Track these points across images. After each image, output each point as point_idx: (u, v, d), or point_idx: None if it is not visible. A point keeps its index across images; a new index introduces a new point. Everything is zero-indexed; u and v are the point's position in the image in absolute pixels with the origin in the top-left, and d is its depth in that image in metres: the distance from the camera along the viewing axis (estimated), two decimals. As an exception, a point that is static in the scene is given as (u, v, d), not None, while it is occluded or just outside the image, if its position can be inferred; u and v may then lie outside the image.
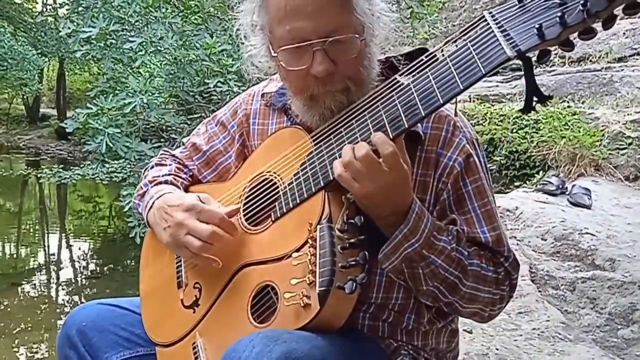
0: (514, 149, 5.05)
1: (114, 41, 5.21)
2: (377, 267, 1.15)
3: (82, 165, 8.50)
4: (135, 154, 4.93)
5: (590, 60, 6.89)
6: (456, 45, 1.03)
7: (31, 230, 9.49)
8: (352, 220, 1.06)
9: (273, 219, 1.18)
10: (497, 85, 6.43)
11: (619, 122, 4.93)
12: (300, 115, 1.22)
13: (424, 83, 1.03)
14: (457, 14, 9.87)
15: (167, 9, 5.44)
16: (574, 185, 3.97)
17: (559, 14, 0.90)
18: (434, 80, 1.02)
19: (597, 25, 0.92)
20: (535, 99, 0.97)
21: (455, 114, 1.19)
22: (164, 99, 5.70)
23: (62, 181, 9.63)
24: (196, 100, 5.94)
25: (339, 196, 1.11)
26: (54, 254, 7.98)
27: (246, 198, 1.25)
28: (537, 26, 0.92)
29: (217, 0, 5.70)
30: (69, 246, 8.52)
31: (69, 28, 5.16)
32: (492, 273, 1.16)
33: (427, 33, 7.31)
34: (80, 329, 1.28)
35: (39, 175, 12.50)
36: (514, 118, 5.23)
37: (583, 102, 5.64)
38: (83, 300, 5.90)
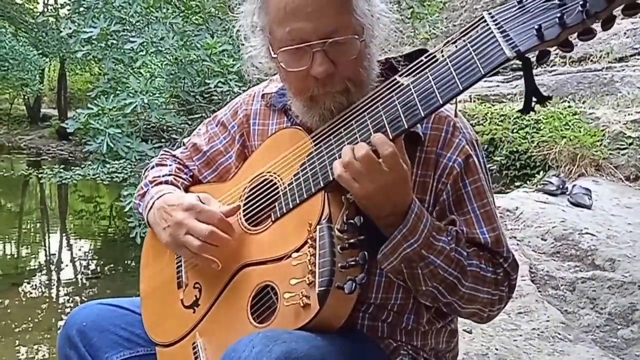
0: (515, 149, 5.05)
1: (114, 41, 5.21)
2: (377, 267, 1.15)
3: (83, 166, 8.50)
4: (136, 154, 4.94)
5: (591, 60, 6.89)
6: (456, 46, 1.03)
7: (32, 230, 9.49)
8: (351, 221, 1.07)
9: (273, 219, 1.19)
10: (497, 85, 6.43)
11: (619, 122, 4.93)
12: (300, 115, 1.22)
13: (424, 84, 1.04)
14: (457, 14, 9.88)
15: (168, 9, 5.44)
16: (574, 185, 3.97)
17: (558, 15, 0.90)
18: (434, 81, 1.02)
19: (597, 26, 0.93)
20: (534, 99, 0.98)
21: (455, 115, 1.19)
22: (165, 99, 5.70)
23: (63, 181, 9.64)
24: (197, 101, 5.95)
25: (338, 196, 1.11)
26: (54, 254, 7.98)
27: (246, 198, 1.26)
28: (536, 27, 0.92)
29: (217, 1, 5.70)
30: (69, 246, 8.52)
31: (70, 28, 5.16)
32: (491, 274, 1.16)
33: (427, 33, 7.30)
34: (81, 329, 1.28)
35: (39, 176, 12.52)
36: (514, 118, 5.23)
37: (584, 102, 5.64)
38: (84, 300, 5.90)
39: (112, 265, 7.35)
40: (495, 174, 5.09)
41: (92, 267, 7.50)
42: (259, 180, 1.25)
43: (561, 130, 4.89)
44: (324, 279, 1.01)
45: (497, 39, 0.96)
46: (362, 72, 1.15)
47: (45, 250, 8.20)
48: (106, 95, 4.88)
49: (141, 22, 5.23)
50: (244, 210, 1.25)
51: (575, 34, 0.93)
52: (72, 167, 8.93)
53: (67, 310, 5.68)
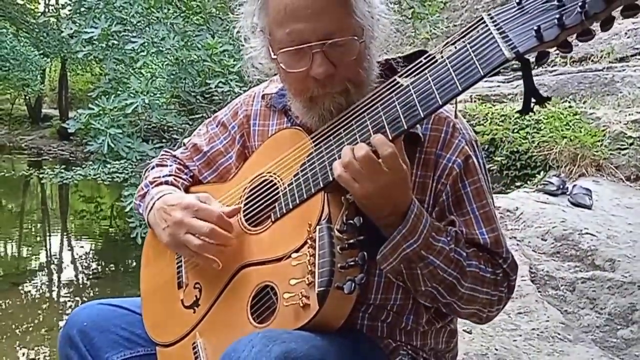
0: (515, 149, 5.04)
1: (115, 42, 5.22)
2: (376, 268, 1.16)
3: (84, 166, 8.50)
4: (137, 155, 4.94)
5: (592, 60, 6.89)
6: (455, 47, 1.03)
7: (33, 230, 9.50)
8: (351, 221, 1.07)
9: (273, 219, 1.19)
10: (498, 86, 6.43)
11: (620, 122, 4.93)
12: (300, 116, 1.23)
13: (423, 84, 1.04)
14: (458, 14, 9.87)
15: (168, 9, 5.45)
16: (574, 186, 3.97)
17: (557, 16, 0.91)
18: (433, 82, 1.03)
19: (596, 27, 0.93)
20: (533, 100, 0.98)
21: (455, 116, 1.19)
22: (166, 99, 5.71)
23: (64, 181, 9.64)
24: (198, 101, 5.96)
25: (338, 197, 1.11)
26: (55, 254, 7.99)
27: (246, 199, 1.26)
28: (535, 28, 0.92)
29: (218, 1, 5.71)
30: (70, 246, 8.53)
31: (71, 29, 5.17)
32: (490, 274, 1.16)
33: (428, 33, 7.30)
34: (82, 329, 1.28)
35: (40, 176, 12.52)
36: (515, 118, 5.23)
37: (584, 102, 5.63)
38: (84, 300, 5.91)
39: (112, 266, 7.35)
40: (495, 174, 5.09)
41: (93, 267, 7.51)
42: (259, 180, 1.25)
43: (562, 130, 4.89)
44: (324, 279, 1.01)
45: (496, 40, 0.96)
46: (362, 73, 1.15)
47: (46, 250, 8.21)
48: (107, 96, 4.88)
49: (142, 22, 5.23)
50: (244, 211, 1.25)
51: (575, 35, 0.93)
52: (73, 167, 8.92)
53: (68, 310, 5.68)
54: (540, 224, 3.30)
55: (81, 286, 6.67)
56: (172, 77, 5.49)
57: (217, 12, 5.81)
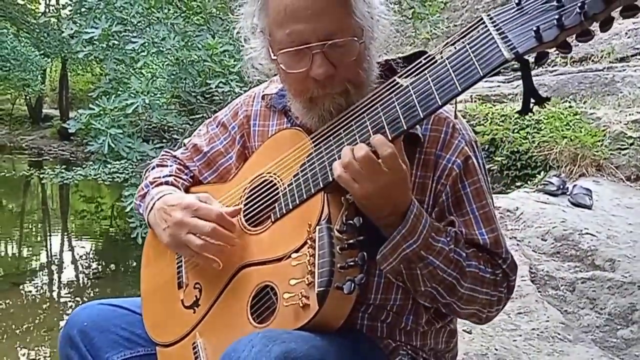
0: (516, 149, 5.04)
1: (116, 42, 5.22)
2: (376, 268, 1.16)
3: (84, 166, 8.50)
4: (137, 155, 4.95)
5: (592, 60, 6.89)
6: (455, 48, 1.03)
7: (33, 230, 9.51)
8: (351, 221, 1.07)
9: (273, 219, 1.19)
10: (498, 86, 6.43)
11: (620, 122, 4.93)
12: (299, 117, 1.23)
13: (423, 85, 1.04)
14: (459, 14, 9.87)
15: (169, 9, 5.45)
16: (574, 186, 3.97)
17: (556, 17, 0.91)
18: (433, 82, 1.03)
19: (595, 27, 0.93)
20: (532, 100, 0.98)
21: (455, 116, 1.19)
22: (166, 99, 5.72)
23: (65, 182, 9.64)
24: (198, 101, 5.96)
25: (338, 197, 1.12)
26: (56, 254, 8.00)
27: (246, 199, 1.26)
28: (534, 29, 0.92)
29: (219, 1, 5.71)
30: (71, 246, 8.53)
31: (72, 29, 5.17)
32: (490, 275, 1.16)
33: (429, 33, 7.30)
34: (82, 329, 1.29)
35: (41, 176, 12.51)
36: (515, 118, 5.23)
37: (585, 102, 5.63)
38: (85, 300, 5.91)
39: (113, 266, 7.36)
40: (496, 174, 5.09)
41: (94, 267, 7.51)
42: (259, 181, 1.26)
43: (562, 130, 4.89)
44: (323, 279, 1.02)
45: (495, 41, 0.96)
46: (362, 73, 1.15)
47: (46, 250, 8.21)
48: (107, 96, 4.89)
49: (142, 22, 5.24)
50: (244, 211, 1.25)
51: (574, 36, 0.94)
52: (74, 168, 8.92)
53: (69, 310, 5.69)
54: (541, 224, 3.30)
55: (81, 286, 6.67)
56: (172, 77, 5.50)
57: (218, 13, 5.81)
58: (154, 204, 1.30)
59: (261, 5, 1.16)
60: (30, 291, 6.29)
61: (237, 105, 1.44)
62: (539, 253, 3.09)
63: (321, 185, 1.13)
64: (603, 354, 2.41)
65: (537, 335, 2.43)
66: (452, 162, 1.18)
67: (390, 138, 1.05)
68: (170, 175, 1.41)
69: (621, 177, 4.50)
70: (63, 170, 9.94)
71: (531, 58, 0.97)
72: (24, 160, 15.85)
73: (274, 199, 1.21)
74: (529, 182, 4.79)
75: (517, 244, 3.16)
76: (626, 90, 5.73)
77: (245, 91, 1.47)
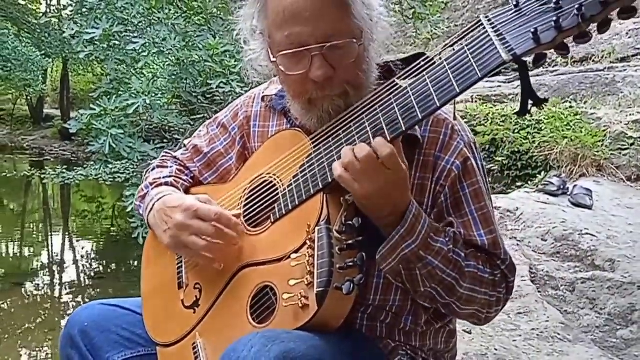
0: (516, 150, 5.04)
1: (117, 42, 5.23)
2: (375, 269, 1.17)
3: (85, 166, 8.52)
4: (138, 155, 4.95)
5: (593, 60, 6.89)
6: (453, 49, 1.04)
7: (35, 230, 9.52)
8: (350, 222, 1.08)
9: (272, 220, 1.20)
10: (499, 86, 6.43)
11: (621, 122, 4.93)
12: (299, 118, 1.24)
13: (421, 86, 1.04)
14: (459, 14, 9.87)
15: (170, 10, 5.46)
16: (575, 186, 3.97)
17: (554, 19, 0.91)
18: (431, 84, 1.03)
19: (593, 29, 0.94)
20: (530, 102, 0.99)
21: (454, 118, 1.20)
22: (167, 99, 5.72)
23: (66, 182, 9.65)
24: (199, 101, 5.97)
25: (337, 198, 1.12)
26: (57, 254, 8.01)
27: (246, 200, 1.27)
28: (532, 30, 0.92)
29: (219, 1, 5.72)
30: (72, 246, 8.54)
31: (73, 29, 5.18)
32: (489, 275, 1.17)
33: (429, 33, 7.31)
34: (83, 329, 1.29)
35: (42, 176, 12.53)
36: (515, 118, 5.23)
37: (585, 103, 5.63)
38: (86, 300, 5.92)
39: (114, 266, 7.37)
40: (496, 174, 5.09)
41: (95, 267, 7.52)
42: (259, 181, 1.26)
43: (562, 130, 4.89)
44: (323, 279, 1.02)
45: (493, 42, 0.96)
46: (361, 75, 1.16)
47: (48, 250, 8.22)
48: (108, 96, 4.89)
49: (143, 23, 5.25)
50: (244, 212, 1.26)
51: (571, 37, 0.94)
52: (75, 168, 8.94)
53: (70, 310, 5.69)
54: (541, 224, 3.30)
55: (83, 286, 6.68)
56: (173, 77, 5.51)
57: (219, 13, 5.82)
58: (153, 205, 1.31)
59: (260, 7, 1.16)
60: (31, 291, 6.30)
61: (237, 106, 1.44)
62: (539, 253, 3.09)
63: (320, 186, 1.13)
64: (603, 354, 2.41)
65: (537, 335, 2.43)
66: (451, 163, 1.19)
67: (389, 139, 1.05)
68: (170, 176, 1.41)
69: (622, 178, 4.50)
70: (64, 171, 9.95)
71: (529, 60, 0.98)
72: (25, 161, 15.87)
73: (273, 199, 1.22)
74: (529, 182, 4.79)
75: (517, 244, 3.16)
76: (627, 91, 5.73)
77: (246, 91, 1.48)
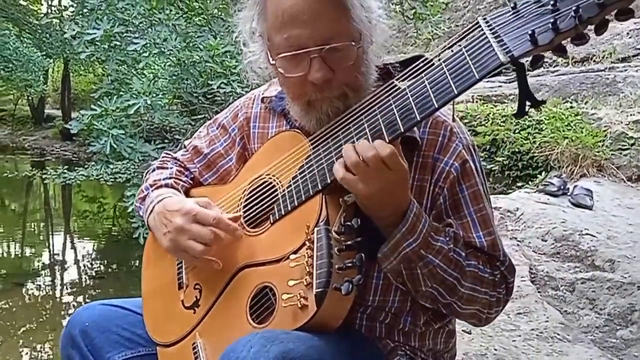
0: (517, 150, 5.05)
1: (118, 43, 5.23)
2: (374, 270, 1.17)
3: (86, 166, 8.52)
4: (139, 155, 4.95)
5: (594, 61, 6.89)
6: (451, 51, 1.04)
7: (36, 230, 9.52)
8: (349, 223, 1.08)
9: (272, 221, 1.20)
10: (500, 86, 6.43)
11: (621, 122, 4.93)
12: (298, 119, 1.24)
13: (420, 88, 1.05)
14: (460, 14, 9.88)
15: (170, 10, 5.46)
16: (575, 186, 3.98)
17: (551, 20, 0.92)
18: (429, 85, 1.04)
19: (590, 30, 0.94)
20: (528, 103, 0.99)
21: (453, 120, 1.20)
22: (168, 100, 5.72)
23: (67, 182, 9.65)
24: (200, 102, 5.97)
25: (336, 199, 1.13)
26: (58, 254, 8.01)
27: (246, 201, 1.27)
28: (530, 32, 0.93)
29: (220, 2, 5.72)
30: (73, 246, 8.55)
31: (74, 30, 5.19)
32: (489, 275, 1.17)
33: (430, 34, 7.31)
34: (83, 329, 1.30)
35: (43, 176, 12.53)
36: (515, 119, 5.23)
37: (586, 103, 5.64)
38: (87, 300, 5.93)
39: (115, 266, 7.37)
40: (497, 174, 5.10)
41: (96, 267, 7.52)
42: (259, 182, 1.27)
43: (563, 130, 4.90)
44: (321, 280, 1.03)
45: (491, 44, 0.97)
46: (360, 77, 1.16)
47: (49, 250, 8.23)
48: (109, 96, 4.89)
49: (144, 23, 5.25)
50: (243, 213, 1.27)
51: (569, 39, 0.95)
52: (76, 168, 8.94)
53: (71, 310, 5.70)
54: (541, 224, 3.31)
55: (84, 286, 6.68)
56: (174, 78, 5.51)
57: (219, 13, 5.83)
58: (153, 207, 1.31)
59: (260, 10, 1.17)
60: (32, 291, 6.30)
61: (237, 107, 1.45)
62: (539, 253, 3.10)
63: (319, 187, 1.14)
64: (602, 354, 2.41)
65: (537, 335, 2.43)
66: (449, 165, 1.19)
67: (388, 140, 1.06)
68: (170, 178, 1.42)
69: (622, 178, 4.50)
70: (65, 171, 9.95)
71: (527, 61, 0.98)
72: (26, 161, 15.88)
73: (273, 200, 1.22)
74: (530, 182, 4.80)
75: (518, 245, 3.17)
76: (627, 91, 5.74)
77: (246, 92, 1.48)
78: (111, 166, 7.30)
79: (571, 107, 5.39)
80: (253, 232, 1.23)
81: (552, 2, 0.93)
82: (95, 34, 4.80)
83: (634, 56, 6.79)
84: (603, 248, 3.01)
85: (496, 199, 3.74)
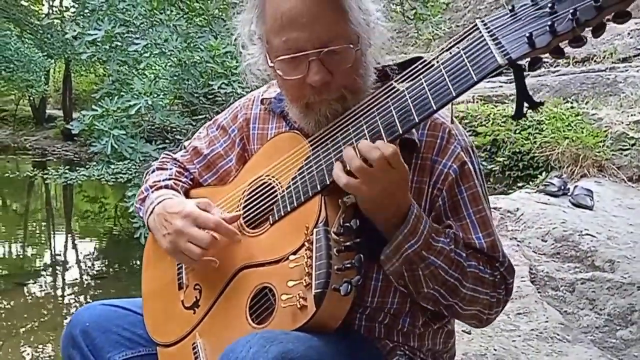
0: (517, 150, 5.05)
1: (119, 43, 5.23)
2: (373, 272, 1.18)
3: (87, 166, 8.54)
4: (140, 155, 4.96)
5: (595, 61, 6.89)
6: (450, 53, 1.05)
7: (37, 230, 9.53)
8: (348, 224, 1.09)
9: (271, 222, 1.21)
10: (500, 86, 6.43)
11: (622, 122, 4.93)
12: (297, 121, 1.25)
13: (418, 89, 1.05)
14: (461, 15, 9.87)
15: (171, 11, 5.46)
16: (576, 186, 3.98)
17: (549, 23, 0.92)
18: (428, 87, 1.04)
19: (588, 32, 0.95)
20: (526, 105, 1.00)
21: (452, 122, 1.21)
22: (169, 100, 5.73)
23: (68, 182, 9.67)
24: (200, 102, 5.97)
25: (335, 200, 1.13)
26: (60, 254, 8.02)
27: (245, 201, 1.28)
28: (527, 35, 0.93)
29: (221, 3, 5.73)
30: (74, 246, 8.56)
31: (75, 30, 5.20)
32: (489, 275, 1.18)
33: (431, 34, 7.31)
34: (84, 329, 1.30)
35: (45, 176, 12.56)
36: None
37: (587, 103, 5.64)
38: (89, 300, 5.94)
39: (117, 266, 7.38)
40: (498, 174, 5.10)
41: (97, 267, 7.53)
42: (258, 183, 1.27)
43: (564, 131, 4.90)
44: (320, 281, 1.03)
45: (489, 47, 0.97)
46: (358, 79, 1.17)
47: (50, 250, 8.23)
48: (111, 97, 4.89)
49: (145, 24, 5.25)
50: (243, 213, 1.27)
51: (566, 41, 0.95)
52: (77, 168, 8.97)
53: (73, 310, 5.70)
54: (541, 224, 3.31)
55: (85, 286, 6.69)
56: (175, 78, 5.51)
57: (220, 14, 5.83)
58: (153, 209, 1.32)
59: (258, 12, 1.17)
60: (34, 291, 6.31)
61: (236, 108, 1.45)
62: (539, 254, 3.10)
63: (318, 188, 1.14)
64: (602, 355, 2.41)
65: (536, 335, 2.43)
66: (448, 167, 1.20)
67: (386, 142, 1.06)
68: (169, 179, 1.42)
69: (623, 178, 4.51)
70: (67, 171, 9.97)
71: (525, 63, 0.99)
72: (27, 161, 15.89)
73: (272, 201, 1.23)
74: (530, 182, 4.80)
75: (518, 245, 3.17)
76: (628, 91, 5.74)
77: (247, 92, 1.49)
78: (112, 166, 7.31)
79: (572, 107, 5.39)
80: (252, 232, 1.23)
81: (549, 5, 0.93)
82: (96, 34, 4.81)
83: (634, 56, 6.79)
84: (603, 248, 3.01)
85: (496, 199, 3.75)
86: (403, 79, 1.11)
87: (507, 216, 3.46)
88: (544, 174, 4.79)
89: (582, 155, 4.65)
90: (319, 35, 1.10)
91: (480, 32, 1.00)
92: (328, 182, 1.13)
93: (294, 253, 1.11)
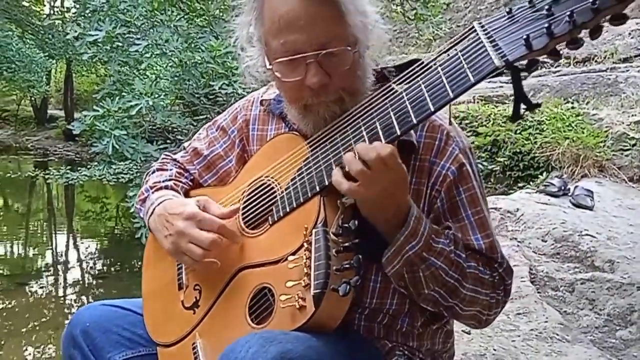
0: (518, 150, 5.05)
1: (120, 44, 5.25)
2: (372, 273, 1.19)
3: (89, 166, 8.55)
4: (141, 156, 4.97)
5: (596, 61, 6.90)
6: (448, 55, 1.06)
7: (39, 230, 9.54)
8: (346, 225, 1.09)
9: (270, 222, 1.21)
10: (501, 86, 6.43)
11: (622, 123, 4.93)
12: (295, 122, 1.26)
13: (416, 91, 1.06)
14: (461, 15, 9.88)
15: (172, 11, 5.47)
16: (576, 187, 3.98)
17: (546, 25, 0.92)
18: (426, 89, 1.05)
19: (585, 35, 0.95)
20: (523, 106, 1.00)
21: (450, 123, 1.21)
22: (170, 100, 5.74)
23: (70, 182, 9.70)
24: (201, 102, 5.98)
25: (334, 201, 1.14)
26: (61, 254, 8.03)
27: (245, 202, 1.29)
28: (524, 37, 0.94)
29: (221, 3, 5.74)
30: (76, 246, 8.57)
31: (76, 31, 5.21)
32: (488, 276, 1.18)
33: (431, 34, 7.31)
34: (84, 329, 1.31)
35: (46, 176, 12.58)
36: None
37: (587, 103, 5.64)
38: (90, 300, 5.94)
39: (118, 266, 7.38)
40: (498, 174, 5.10)
41: (99, 267, 7.54)
42: (258, 184, 1.28)
43: (564, 131, 4.90)
44: (319, 281, 1.04)
45: (486, 49, 0.98)
46: (356, 81, 1.17)
47: (52, 250, 8.25)
48: (112, 97, 4.90)
49: (146, 24, 5.26)
50: (242, 214, 1.28)
51: (563, 43, 0.96)
52: (79, 168, 8.98)
53: (74, 310, 5.71)
54: (541, 225, 3.31)
55: (86, 286, 6.70)
56: (176, 78, 5.52)
57: (221, 14, 5.84)
58: (154, 209, 1.33)
59: (257, 15, 1.18)
60: (35, 291, 6.32)
61: (236, 109, 1.46)
62: (539, 254, 3.10)
63: (317, 189, 1.15)
64: (602, 355, 2.41)
65: (536, 335, 2.43)
66: (446, 168, 1.20)
67: (384, 143, 1.07)
68: (170, 180, 1.43)
69: (623, 178, 4.50)
70: (68, 171, 10.00)
71: (522, 65, 0.99)
72: (29, 161, 15.91)
73: (271, 202, 1.23)
74: (531, 182, 4.80)
75: (518, 245, 3.17)
76: (629, 91, 5.74)
77: (248, 93, 1.50)
78: (113, 166, 7.32)
79: (572, 108, 5.39)
80: (252, 233, 1.24)
81: (546, 7, 0.94)
82: (97, 35, 4.82)
83: (635, 56, 6.79)
84: (603, 249, 3.01)
85: (497, 200, 3.75)
86: (401, 80, 1.11)
87: (507, 216, 3.46)
88: (544, 174, 4.79)
89: (582, 156, 4.65)
90: (317, 37, 1.11)
91: (477, 34, 1.01)
92: (327, 183, 1.13)
93: (293, 253, 1.11)
